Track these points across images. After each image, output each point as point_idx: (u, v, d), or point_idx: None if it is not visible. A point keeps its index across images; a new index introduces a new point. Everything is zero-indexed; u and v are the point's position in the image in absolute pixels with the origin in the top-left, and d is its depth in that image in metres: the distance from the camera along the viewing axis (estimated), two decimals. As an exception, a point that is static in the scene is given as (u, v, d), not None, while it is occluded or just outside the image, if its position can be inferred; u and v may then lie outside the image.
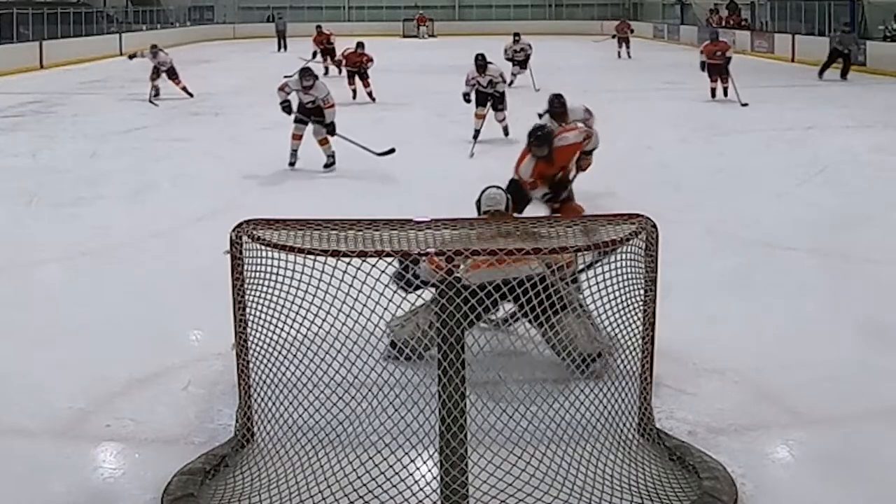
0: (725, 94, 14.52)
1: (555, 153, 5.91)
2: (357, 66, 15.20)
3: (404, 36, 36.60)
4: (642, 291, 3.37)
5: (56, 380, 4.14)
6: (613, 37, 25.28)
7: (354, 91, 15.14)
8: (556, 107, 7.33)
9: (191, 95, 15.31)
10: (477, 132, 10.70)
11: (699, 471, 3.21)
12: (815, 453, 3.55)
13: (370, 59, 15.23)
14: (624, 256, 3.29)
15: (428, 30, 37.35)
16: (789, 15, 25.87)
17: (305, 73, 9.20)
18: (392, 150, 9.09)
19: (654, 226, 3.30)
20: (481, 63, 10.82)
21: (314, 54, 19.36)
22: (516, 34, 17.20)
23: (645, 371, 3.42)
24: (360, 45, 15.47)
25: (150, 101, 14.72)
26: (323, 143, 9.10)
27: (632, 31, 26.23)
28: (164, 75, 15.13)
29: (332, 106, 9.02)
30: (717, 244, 6.31)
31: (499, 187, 4.63)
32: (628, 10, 39.05)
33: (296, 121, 9.16)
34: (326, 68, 18.99)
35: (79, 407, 3.88)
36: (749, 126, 11.91)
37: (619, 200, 7.03)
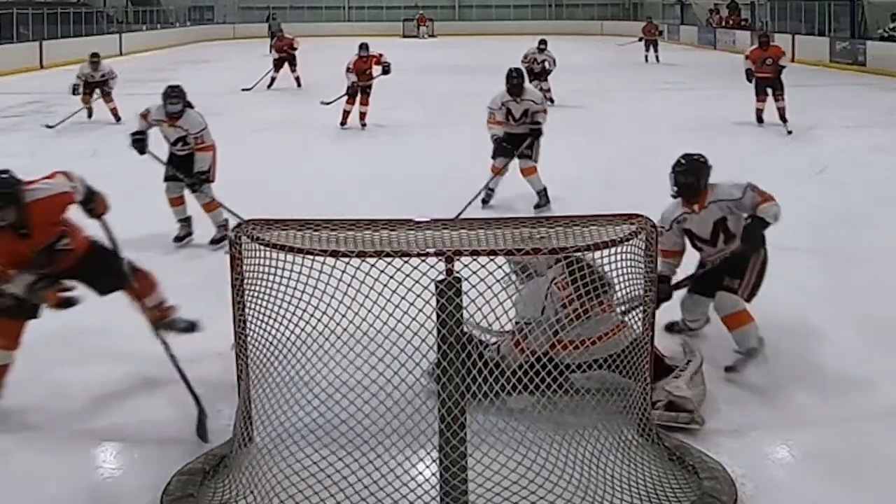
0: (783, 117, 11.31)
1: (28, 217, 3.56)
2: (368, 76, 11.67)
3: (404, 36, 36.60)
4: (642, 291, 3.37)
5: (56, 380, 4.14)
6: (640, 39, 23.92)
7: (347, 114, 11.87)
8: (684, 177, 4.36)
9: (118, 119, 12.46)
10: (490, 193, 7.08)
11: (699, 471, 3.21)
12: (815, 453, 3.55)
13: (381, 57, 11.72)
14: (624, 256, 3.29)
15: (428, 30, 37.36)
16: (789, 15, 25.86)
17: (172, 93, 6.28)
18: None
19: (654, 226, 3.31)
20: (517, 81, 7.06)
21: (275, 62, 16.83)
22: (542, 41, 14.20)
23: (645, 371, 3.42)
24: (363, 46, 11.77)
25: (57, 124, 12.41)
26: (209, 207, 6.46)
27: (660, 34, 24.94)
28: (96, 92, 12.64)
29: (209, 148, 6.37)
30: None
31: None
32: (628, 10, 39.08)
33: (166, 178, 6.51)
34: (273, 79, 16.56)
35: (78, 407, 3.88)
36: (749, 126, 11.90)
37: (619, 200, 7.01)
